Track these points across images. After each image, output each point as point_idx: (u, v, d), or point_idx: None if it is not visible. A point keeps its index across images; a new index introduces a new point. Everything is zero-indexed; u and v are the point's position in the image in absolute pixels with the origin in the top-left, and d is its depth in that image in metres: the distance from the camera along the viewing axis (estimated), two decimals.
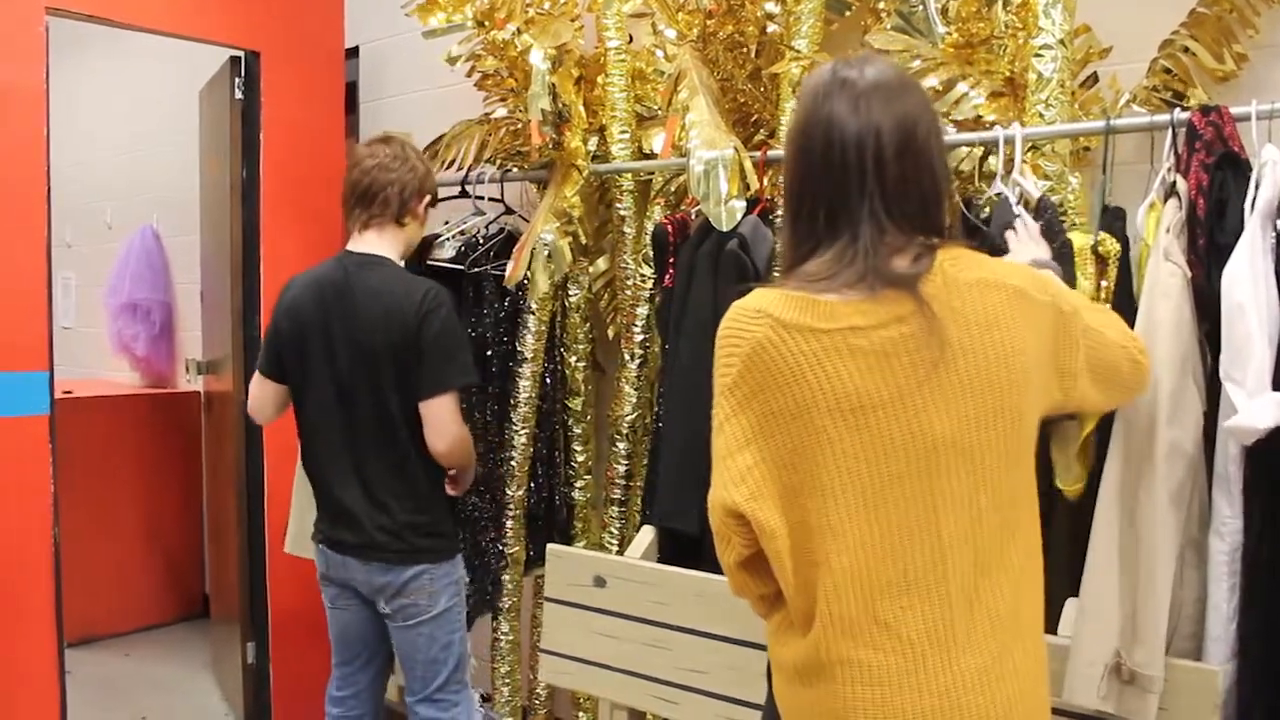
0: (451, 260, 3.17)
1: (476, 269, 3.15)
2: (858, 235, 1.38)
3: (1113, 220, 2.12)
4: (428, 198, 2.66)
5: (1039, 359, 1.41)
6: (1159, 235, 1.89)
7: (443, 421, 2.47)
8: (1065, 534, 2.17)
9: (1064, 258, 2.09)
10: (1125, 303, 2.04)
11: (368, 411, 2.51)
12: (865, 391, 1.34)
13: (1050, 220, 2.14)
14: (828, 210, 1.41)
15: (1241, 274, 1.78)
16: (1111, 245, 2.09)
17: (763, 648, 1.57)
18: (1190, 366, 1.84)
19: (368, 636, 2.72)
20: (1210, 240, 1.89)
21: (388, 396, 2.49)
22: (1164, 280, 1.85)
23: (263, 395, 2.70)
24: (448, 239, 3.21)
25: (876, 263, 1.36)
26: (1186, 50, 2.25)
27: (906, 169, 1.40)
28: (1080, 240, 2.12)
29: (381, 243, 2.59)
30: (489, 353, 3.15)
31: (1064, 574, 2.14)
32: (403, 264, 2.65)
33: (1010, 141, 2.20)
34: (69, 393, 4.80)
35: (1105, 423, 1.90)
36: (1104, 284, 2.10)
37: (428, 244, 3.19)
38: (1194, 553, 1.89)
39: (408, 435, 2.51)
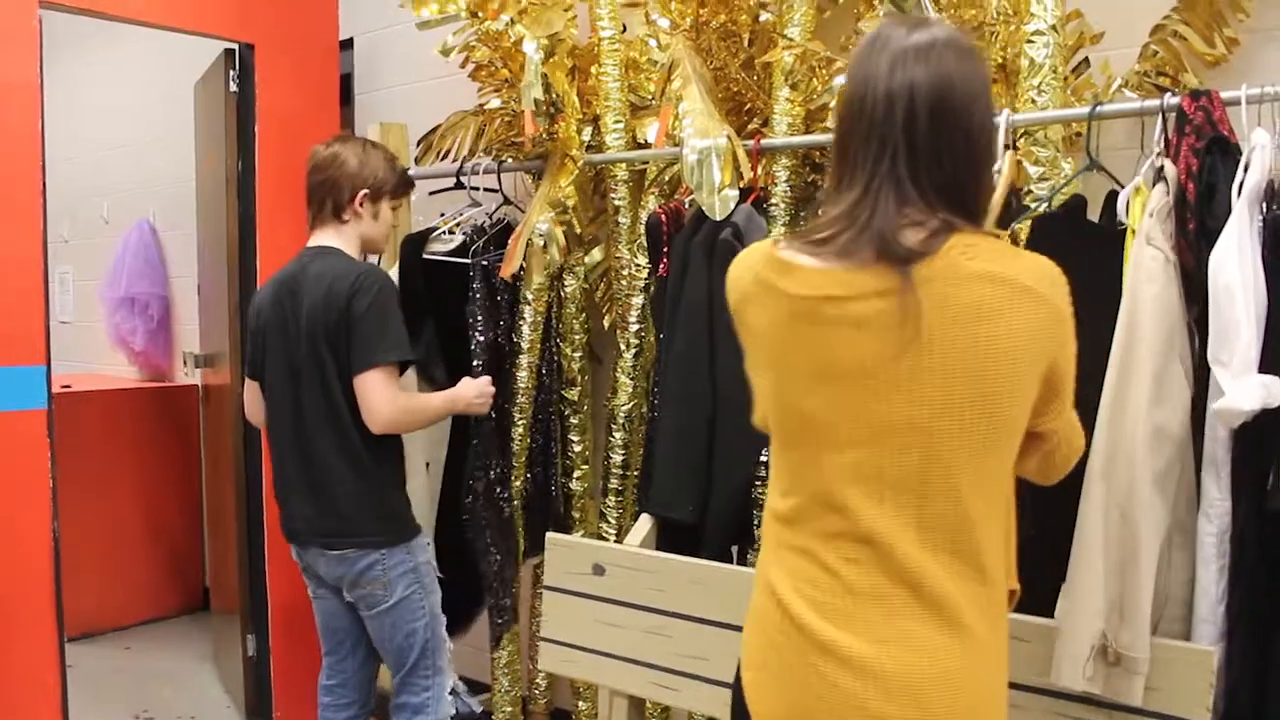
0: (451, 253, 3.17)
1: (474, 260, 3.15)
2: (873, 192, 1.35)
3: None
4: (363, 193, 2.65)
5: (1034, 359, 1.34)
6: (1142, 220, 1.90)
7: (371, 399, 2.48)
8: (1057, 521, 2.19)
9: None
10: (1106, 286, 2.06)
11: (314, 397, 2.55)
12: (827, 360, 1.35)
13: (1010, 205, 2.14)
14: (854, 166, 1.38)
15: (1229, 257, 1.78)
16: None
17: None
18: (1176, 349, 1.84)
19: (347, 625, 2.76)
20: (1200, 224, 1.89)
21: (329, 379, 2.52)
22: (1146, 264, 1.86)
23: (250, 396, 2.79)
24: (444, 231, 3.21)
25: (883, 227, 1.33)
26: (1177, 35, 2.26)
27: (940, 131, 1.34)
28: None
29: (330, 237, 2.66)
30: (483, 340, 3.14)
31: (1059, 560, 2.16)
32: (362, 257, 2.69)
33: (1000, 128, 2.21)
34: (67, 387, 4.81)
35: (1091, 406, 1.92)
36: None
37: (425, 237, 3.19)
38: (1181, 535, 1.90)
39: (351, 418, 2.53)
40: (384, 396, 2.48)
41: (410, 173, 3.50)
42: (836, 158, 1.44)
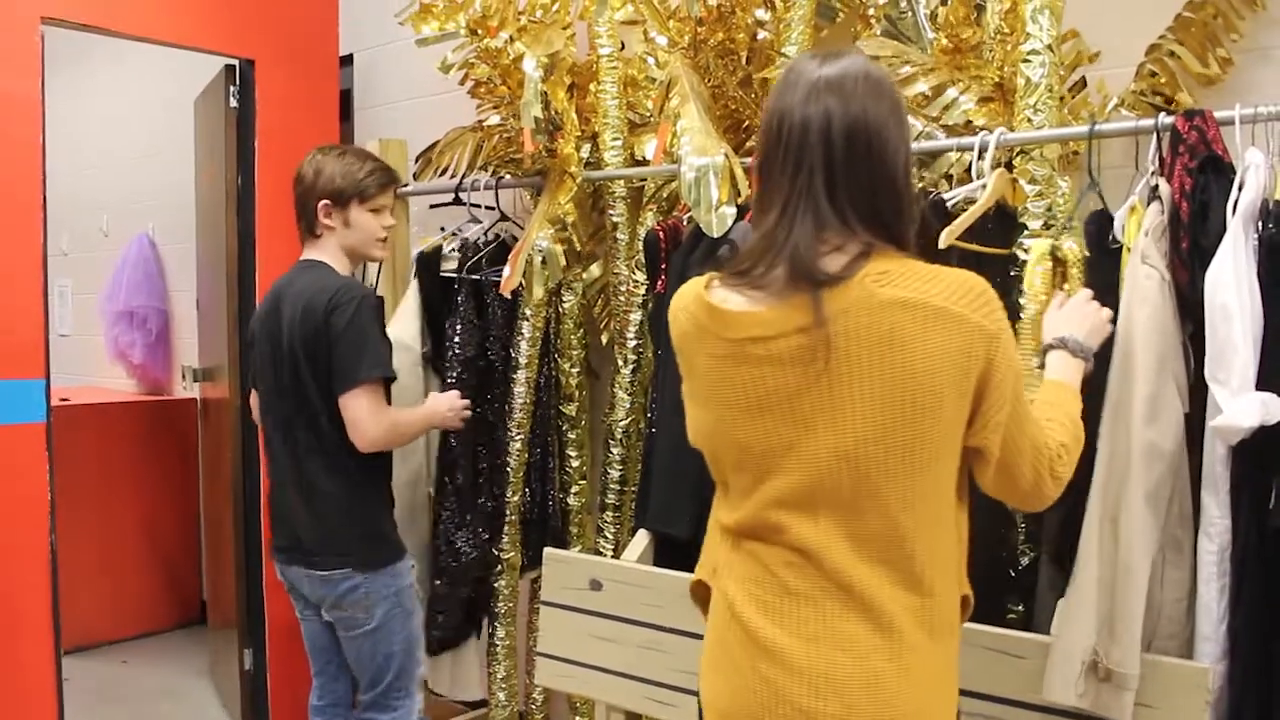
0: (455, 270, 3.19)
1: (461, 276, 3.17)
2: (790, 213, 1.40)
3: (1089, 225, 2.13)
4: (323, 203, 2.61)
5: (955, 379, 1.36)
6: (1137, 238, 1.91)
7: (356, 418, 2.46)
8: (1053, 538, 2.20)
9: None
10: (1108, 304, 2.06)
11: (297, 414, 2.53)
12: (756, 396, 1.41)
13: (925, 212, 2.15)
14: (772, 191, 1.44)
15: (1224, 276, 1.79)
16: (1070, 252, 2.11)
17: None
18: (1170, 368, 1.85)
19: (334, 646, 2.73)
20: (1193, 243, 1.91)
21: (311, 396, 2.51)
22: (1141, 284, 1.87)
23: (254, 405, 2.79)
24: (450, 250, 3.22)
25: (798, 247, 1.38)
26: (1172, 55, 2.27)
27: (854, 156, 1.39)
28: (1041, 245, 2.14)
29: (315, 251, 2.66)
30: (491, 358, 3.18)
31: (1058, 578, 2.17)
32: (360, 267, 2.72)
33: (998, 145, 2.22)
34: (65, 400, 4.81)
35: (1093, 426, 1.92)
36: (1066, 288, 2.12)
37: (439, 254, 3.20)
38: (1175, 553, 1.90)
39: (334, 436, 2.50)
40: (370, 415, 2.46)
41: (409, 188, 3.54)
42: (756, 188, 1.51)
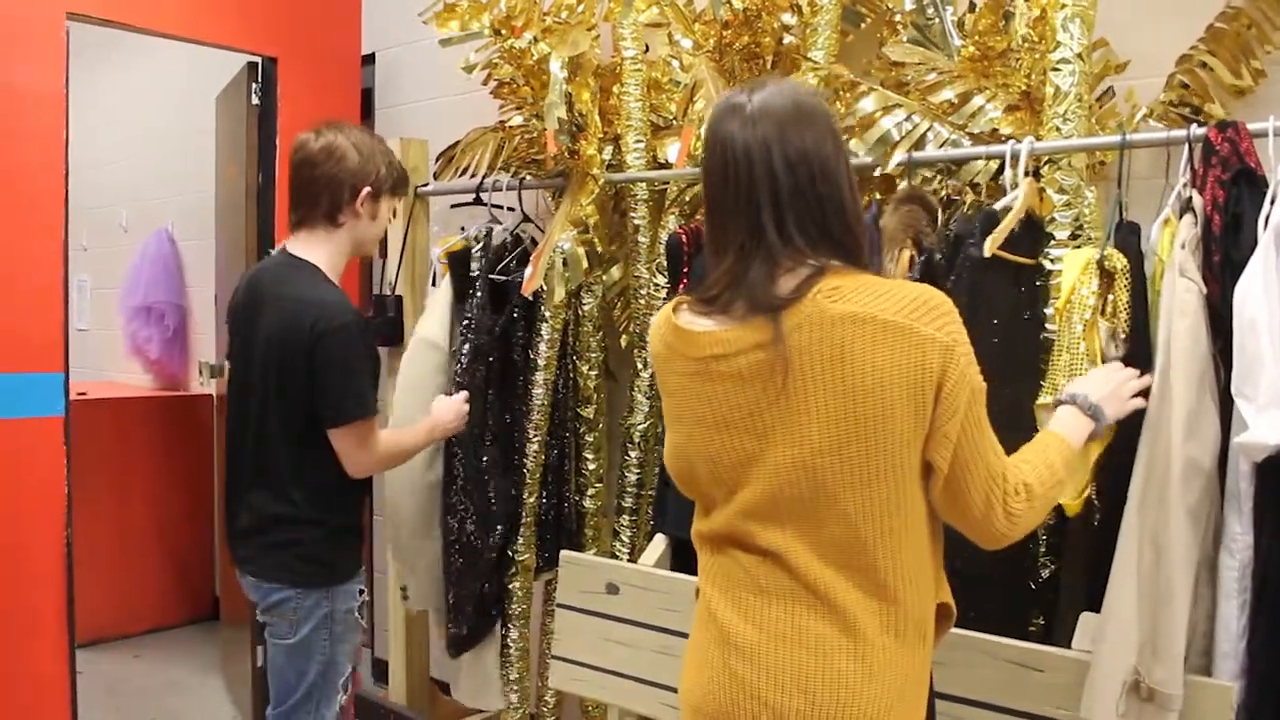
0: (479, 271, 3.18)
1: (501, 277, 3.16)
2: (746, 252, 1.46)
3: (1127, 235, 2.12)
4: (365, 190, 2.41)
5: (906, 392, 1.38)
6: (1174, 251, 1.89)
7: (348, 455, 2.35)
8: (1077, 552, 2.18)
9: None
10: (1141, 319, 2.04)
11: (257, 424, 2.38)
12: (722, 411, 1.47)
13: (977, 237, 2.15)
14: (725, 226, 1.50)
15: (1254, 290, 1.78)
16: (1118, 260, 2.09)
17: None
18: (1207, 383, 1.84)
19: None
20: (1225, 256, 1.89)
21: (272, 412, 2.36)
22: (1180, 296, 1.85)
23: None
24: (476, 251, 3.21)
25: (752, 287, 1.44)
26: (1204, 65, 2.25)
27: (797, 183, 1.44)
28: (1086, 254, 2.12)
29: (312, 246, 2.43)
30: (514, 358, 3.17)
31: (1078, 591, 2.15)
32: (338, 268, 2.46)
33: (1029, 154, 2.21)
34: (83, 394, 4.81)
35: (1119, 440, 1.91)
36: (1110, 298, 2.10)
37: (468, 255, 3.19)
38: (1209, 571, 1.89)
39: (283, 453, 2.36)
40: (362, 449, 2.36)
41: (429, 188, 3.54)
42: (708, 221, 1.55)
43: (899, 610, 1.44)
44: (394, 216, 2.68)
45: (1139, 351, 2.00)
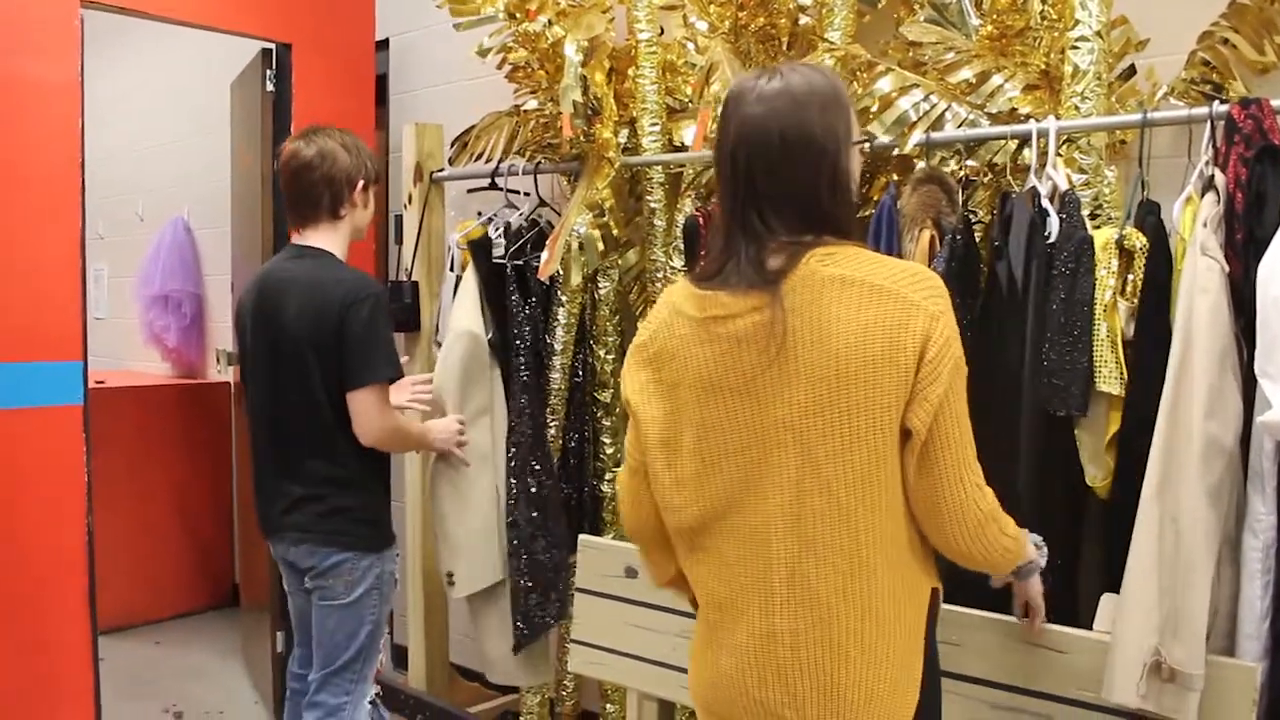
0: (501, 257, 3.19)
1: (515, 261, 3.16)
2: (736, 235, 1.51)
3: (1146, 214, 2.10)
4: (360, 183, 2.63)
5: (889, 354, 1.40)
6: (1196, 230, 1.88)
7: (365, 415, 2.50)
8: (1097, 532, 2.17)
9: (1082, 254, 2.09)
10: (1157, 297, 2.03)
11: (296, 402, 2.55)
12: (718, 374, 1.49)
13: (1071, 214, 2.13)
14: (723, 207, 1.56)
15: (1277, 268, 1.76)
16: (1137, 239, 2.07)
17: None
18: (1229, 362, 1.82)
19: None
20: (1248, 234, 1.87)
21: (314, 386, 2.52)
22: (1202, 275, 1.84)
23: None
24: (495, 236, 3.21)
25: (746, 265, 1.48)
26: (1226, 42, 2.23)
27: (781, 170, 1.48)
28: (1106, 234, 2.11)
29: (320, 239, 2.62)
30: (535, 343, 3.18)
31: (1098, 572, 2.14)
32: (346, 255, 2.65)
33: (1044, 134, 2.19)
34: (101, 383, 4.84)
35: (1138, 420, 1.89)
36: (1130, 278, 2.09)
37: (488, 242, 3.19)
38: (1230, 550, 1.87)
39: (336, 425, 2.53)
40: (377, 414, 2.51)
41: (445, 173, 3.54)
42: (719, 201, 1.60)
43: (878, 589, 1.45)
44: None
45: (1155, 330, 2.00)
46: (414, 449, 2.83)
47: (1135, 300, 2.07)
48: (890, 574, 1.46)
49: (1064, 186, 2.18)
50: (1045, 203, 2.16)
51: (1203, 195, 1.92)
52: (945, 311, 1.44)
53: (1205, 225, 1.86)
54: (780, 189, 1.48)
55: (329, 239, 2.62)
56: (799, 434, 1.43)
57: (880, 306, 1.41)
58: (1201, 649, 1.78)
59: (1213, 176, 1.92)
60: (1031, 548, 1.66)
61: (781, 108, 1.48)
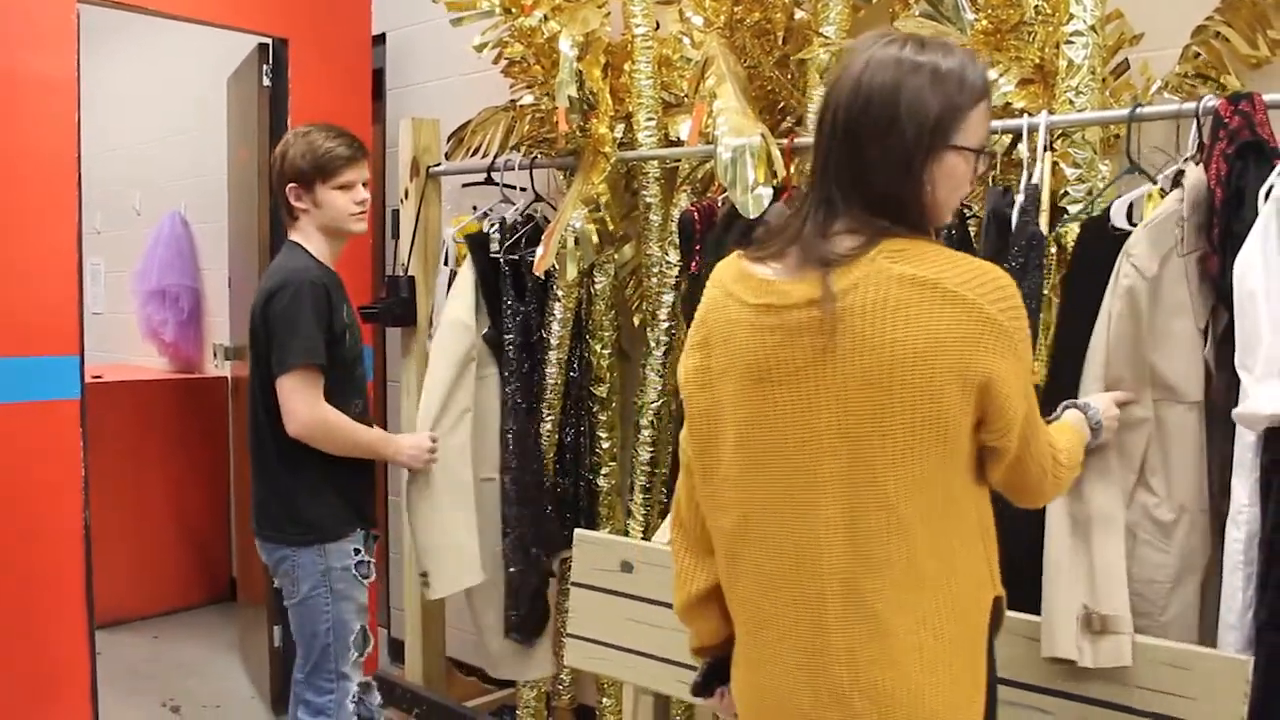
0: (496, 252, 3.19)
1: (511, 256, 3.17)
2: (809, 205, 1.42)
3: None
4: (289, 188, 2.61)
5: (954, 365, 1.32)
6: (1137, 231, 1.91)
7: (284, 404, 2.50)
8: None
9: (1031, 250, 2.11)
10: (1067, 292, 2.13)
11: (257, 389, 2.60)
12: (767, 366, 1.40)
13: (1026, 209, 2.13)
14: (811, 175, 1.47)
15: (1253, 262, 1.78)
16: (1071, 236, 2.11)
17: None
18: (1127, 372, 1.93)
19: None
20: (1225, 229, 1.88)
21: (253, 379, 2.60)
22: (1119, 281, 1.93)
23: None
24: (491, 231, 3.21)
25: (808, 238, 1.39)
26: (1219, 36, 2.23)
27: (870, 147, 1.37)
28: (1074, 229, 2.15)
29: (294, 232, 2.67)
30: (527, 339, 3.19)
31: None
32: (323, 247, 2.65)
33: (1035, 129, 2.19)
34: (98, 377, 4.83)
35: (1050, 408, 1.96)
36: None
37: (485, 237, 3.20)
38: (1162, 537, 1.95)
39: (266, 419, 2.57)
40: (299, 402, 2.49)
41: (440, 168, 3.53)
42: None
43: (937, 602, 1.38)
44: (358, 198, 2.70)
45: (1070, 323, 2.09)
46: (364, 455, 2.71)
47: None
48: (951, 584, 1.39)
49: (1046, 181, 2.17)
50: (1018, 198, 2.16)
51: (1170, 190, 1.93)
52: (1020, 325, 1.35)
53: (1146, 228, 1.88)
54: (861, 162, 1.38)
55: (301, 234, 2.66)
56: (853, 440, 1.35)
57: (954, 317, 1.31)
58: (1124, 592, 1.87)
59: (1182, 173, 1.93)
60: (1086, 431, 1.74)
61: (885, 76, 1.36)
